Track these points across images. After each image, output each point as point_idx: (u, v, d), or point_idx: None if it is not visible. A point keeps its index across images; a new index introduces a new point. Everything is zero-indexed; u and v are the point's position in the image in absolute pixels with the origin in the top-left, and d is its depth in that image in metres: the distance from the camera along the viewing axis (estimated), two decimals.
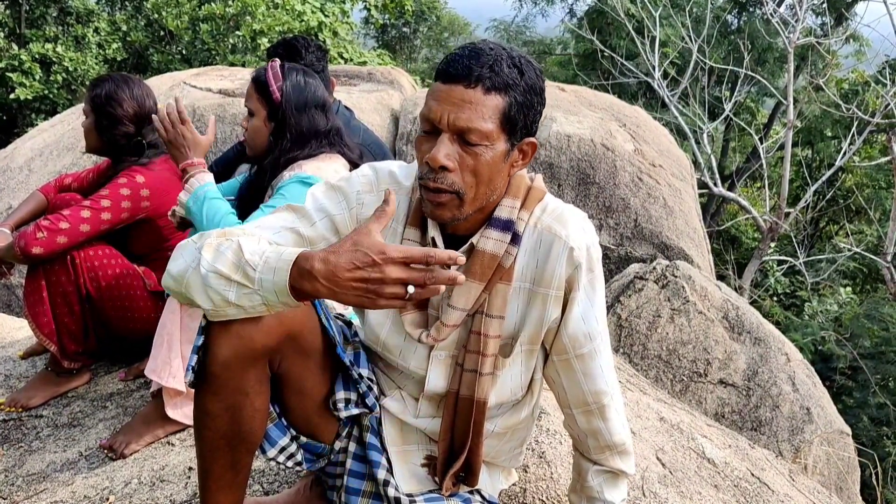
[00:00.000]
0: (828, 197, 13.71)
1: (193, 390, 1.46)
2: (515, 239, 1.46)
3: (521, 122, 1.39)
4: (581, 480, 1.68)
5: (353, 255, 1.21)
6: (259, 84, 2.33)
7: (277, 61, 2.40)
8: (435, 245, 1.49)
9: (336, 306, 2.29)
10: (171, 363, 2.30)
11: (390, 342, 1.58)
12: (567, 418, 1.65)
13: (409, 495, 1.59)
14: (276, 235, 1.48)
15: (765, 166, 11.80)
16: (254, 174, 2.44)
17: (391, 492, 1.57)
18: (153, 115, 2.31)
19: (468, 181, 1.38)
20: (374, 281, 1.20)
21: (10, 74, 11.64)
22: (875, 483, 4.44)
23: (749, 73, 11.86)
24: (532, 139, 1.43)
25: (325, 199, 1.53)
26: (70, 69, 11.88)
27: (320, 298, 1.26)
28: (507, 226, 1.46)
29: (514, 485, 1.97)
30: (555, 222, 1.49)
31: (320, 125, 2.33)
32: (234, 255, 1.29)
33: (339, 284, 1.21)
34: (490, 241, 1.45)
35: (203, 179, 2.20)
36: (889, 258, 10.10)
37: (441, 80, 1.38)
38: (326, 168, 2.28)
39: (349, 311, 2.28)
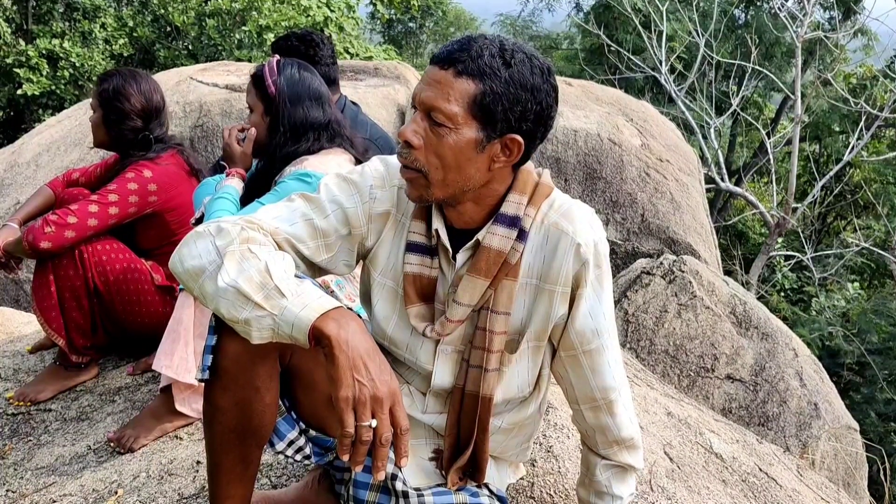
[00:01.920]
0: (835, 192, 13.67)
1: (203, 385, 1.47)
2: (522, 235, 1.46)
3: (499, 114, 1.36)
4: (589, 474, 1.68)
5: (380, 366, 1.27)
6: (256, 80, 2.37)
7: (276, 57, 2.42)
8: (439, 238, 1.49)
9: (343, 300, 2.30)
10: (187, 359, 2.31)
11: (397, 336, 1.58)
12: (575, 414, 1.65)
13: (416, 489, 1.59)
14: (293, 227, 1.48)
15: (772, 161, 11.77)
16: (259, 169, 2.46)
17: (399, 486, 1.57)
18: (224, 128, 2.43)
19: (432, 162, 1.38)
20: (364, 394, 1.24)
21: (17, 70, 11.68)
22: (883, 479, 4.43)
23: (756, 67, 11.82)
24: (515, 136, 1.39)
25: (337, 190, 1.53)
26: (77, 65, 11.91)
27: (326, 353, 1.27)
28: (513, 222, 1.45)
29: (521, 479, 1.97)
30: (562, 218, 1.48)
31: (316, 118, 2.34)
32: (260, 276, 1.30)
33: (343, 357, 1.25)
34: (496, 237, 1.45)
35: (228, 182, 2.33)
36: None
37: (429, 62, 1.40)
38: (330, 163, 2.29)
39: (356, 305, 2.28)
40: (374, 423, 1.24)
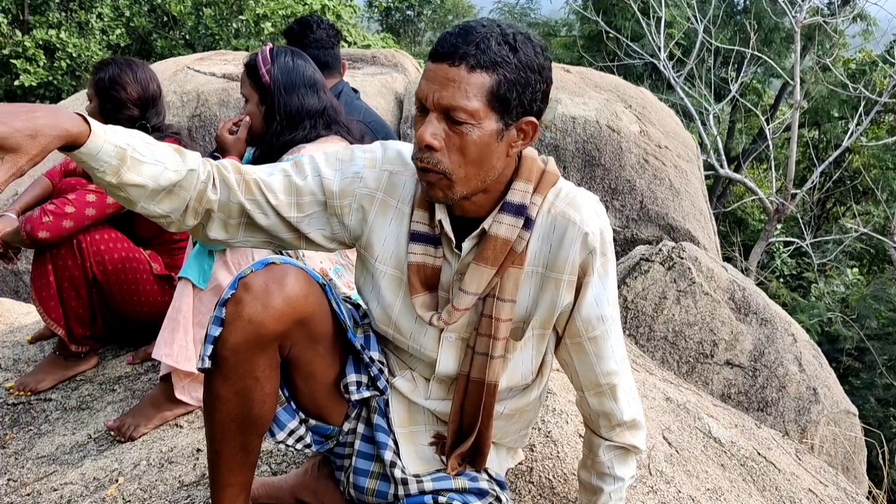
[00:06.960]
0: (834, 178, 13.66)
1: (203, 374, 1.47)
2: (528, 223, 1.45)
3: (514, 100, 1.35)
4: (592, 455, 1.69)
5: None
6: (250, 69, 2.37)
7: (269, 45, 2.42)
8: (442, 228, 1.49)
9: (342, 287, 2.30)
10: (187, 347, 2.31)
11: (401, 323, 1.58)
12: (579, 399, 1.66)
13: (415, 475, 1.59)
14: (269, 177, 1.51)
15: (771, 147, 11.76)
16: (255, 158, 2.46)
17: (398, 473, 1.58)
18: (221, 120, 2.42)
19: (455, 160, 1.36)
20: None
21: (14, 61, 11.63)
22: (882, 463, 4.44)
23: (755, 53, 11.80)
24: (531, 118, 1.39)
25: (321, 160, 1.55)
26: (74, 55, 11.86)
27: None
28: (519, 210, 1.45)
29: (520, 463, 1.97)
30: (568, 207, 1.48)
31: (311, 105, 2.34)
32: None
33: None
34: (503, 225, 1.44)
35: None
36: None
37: (431, 59, 1.37)
38: (327, 151, 2.29)
39: (355, 293, 2.28)
40: None
